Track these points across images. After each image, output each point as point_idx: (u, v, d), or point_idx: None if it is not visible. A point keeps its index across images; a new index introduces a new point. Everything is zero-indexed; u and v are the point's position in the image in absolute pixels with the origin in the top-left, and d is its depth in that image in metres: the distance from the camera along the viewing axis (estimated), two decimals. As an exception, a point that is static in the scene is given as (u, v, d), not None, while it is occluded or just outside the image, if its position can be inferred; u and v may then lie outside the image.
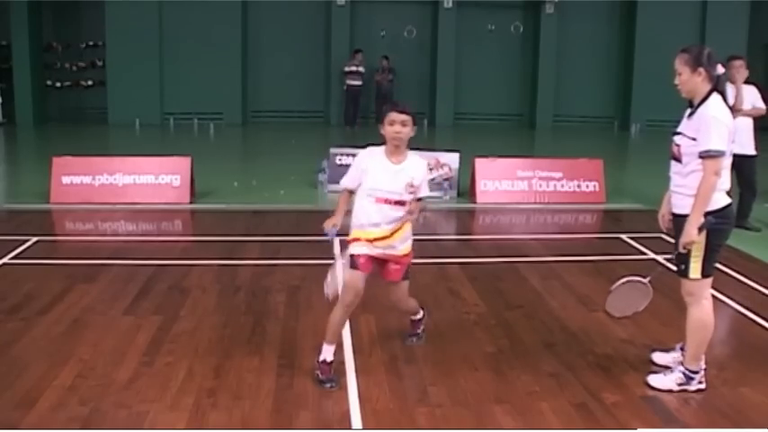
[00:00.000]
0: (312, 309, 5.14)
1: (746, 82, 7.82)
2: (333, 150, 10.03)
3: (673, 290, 5.78)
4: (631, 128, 19.52)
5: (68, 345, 4.44)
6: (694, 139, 3.76)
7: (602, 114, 20.09)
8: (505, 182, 9.46)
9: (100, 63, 18.99)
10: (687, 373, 3.98)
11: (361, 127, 18.49)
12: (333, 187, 9.76)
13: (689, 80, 3.85)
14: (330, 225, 4.01)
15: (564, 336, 4.79)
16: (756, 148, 7.85)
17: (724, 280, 6.02)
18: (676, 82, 3.92)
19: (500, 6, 19.91)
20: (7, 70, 18.58)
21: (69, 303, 5.18)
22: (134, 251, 6.83)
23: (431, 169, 9.70)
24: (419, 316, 4.56)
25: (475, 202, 9.25)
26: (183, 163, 9.15)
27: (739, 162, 7.80)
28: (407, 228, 4.07)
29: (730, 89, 7.75)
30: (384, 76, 18.53)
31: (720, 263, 6.41)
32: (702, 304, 3.98)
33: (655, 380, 4.03)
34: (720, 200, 3.85)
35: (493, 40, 19.99)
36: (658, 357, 4.34)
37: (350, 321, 4.84)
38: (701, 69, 3.79)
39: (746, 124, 7.76)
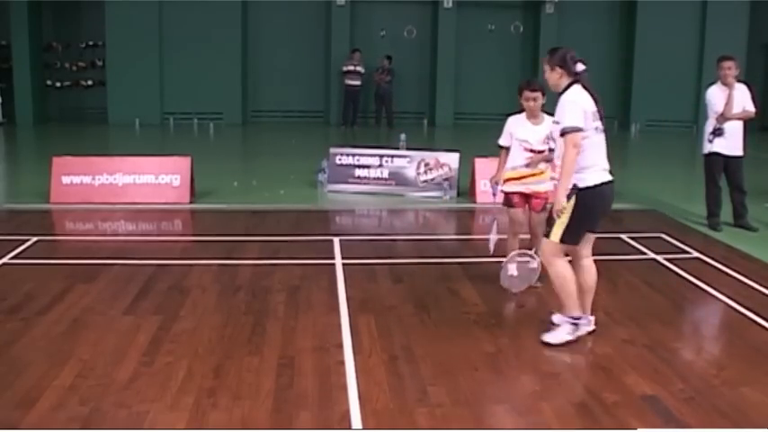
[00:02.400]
0: (312, 309, 5.14)
1: (738, 81, 7.82)
2: (333, 150, 10.03)
3: (673, 290, 5.81)
4: (631, 128, 19.52)
5: (68, 345, 4.44)
6: (558, 123, 4.43)
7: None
8: (505, 182, 9.44)
9: (100, 63, 18.99)
10: (572, 321, 4.53)
11: (361, 127, 18.50)
12: (333, 187, 9.78)
13: (550, 77, 4.54)
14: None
15: (564, 336, 4.79)
16: (744, 150, 7.91)
17: (724, 280, 6.03)
18: (546, 77, 4.59)
19: (500, 6, 19.91)
20: (7, 70, 18.57)
21: (69, 303, 5.18)
22: (134, 251, 6.83)
23: (430, 169, 9.71)
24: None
25: (475, 202, 9.24)
26: (183, 163, 9.15)
27: (727, 163, 7.87)
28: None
29: (721, 91, 7.76)
30: (382, 77, 18.53)
31: (720, 263, 6.47)
32: (557, 263, 4.53)
33: (549, 337, 4.53)
34: (595, 177, 4.41)
35: (493, 40, 19.98)
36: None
37: (350, 321, 4.86)
38: (558, 68, 4.48)
39: (737, 127, 7.81)
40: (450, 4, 19.18)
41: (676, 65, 19.20)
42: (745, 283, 5.93)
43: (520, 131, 5.59)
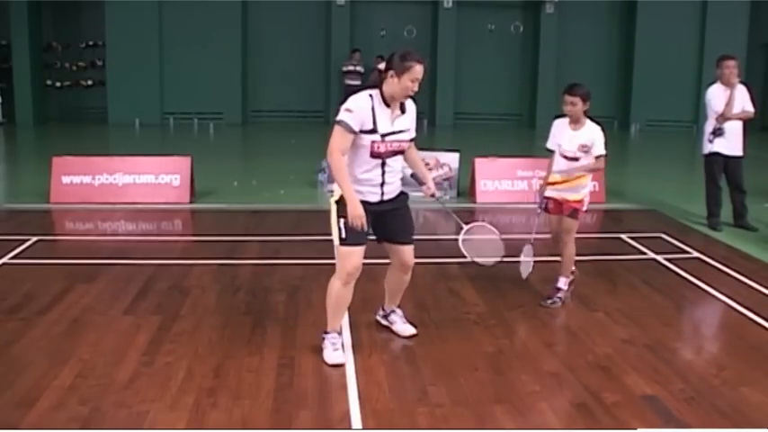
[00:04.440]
0: (312, 309, 5.14)
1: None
2: (333, 150, 10.02)
3: (673, 290, 5.82)
4: (631, 128, 19.53)
5: (68, 345, 4.44)
6: (412, 133, 4.32)
7: (602, 114, 19.91)
8: (505, 182, 9.46)
9: (100, 63, 19.00)
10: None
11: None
12: (332, 187, 9.75)
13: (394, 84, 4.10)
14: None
15: (564, 336, 4.80)
16: (744, 150, 7.92)
17: (724, 280, 6.03)
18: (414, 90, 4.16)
19: (500, 6, 19.91)
20: (7, 70, 18.58)
21: (69, 303, 5.18)
22: (134, 251, 6.83)
23: (430, 169, 9.71)
24: (561, 284, 5.40)
25: (475, 202, 9.25)
26: (183, 163, 9.15)
27: (727, 163, 7.88)
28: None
29: (721, 91, 7.75)
30: (384, 76, 18.52)
31: (720, 263, 6.48)
32: None
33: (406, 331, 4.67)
34: None
35: (493, 40, 19.99)
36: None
37: (350, 321, 4.86)
38: (392, 72, 4.05)
39: (737, 127, 7.83)
40: (450, 4, 19.19)
41: (676, 65, 19.21)
42: (745, 283, 5.93)
43: (559, 135, 5.42)
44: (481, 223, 4.80)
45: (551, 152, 5.49)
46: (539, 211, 5.54)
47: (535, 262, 5.74)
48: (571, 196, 5.33)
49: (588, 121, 5.37)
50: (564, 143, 5.32)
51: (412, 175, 4.55)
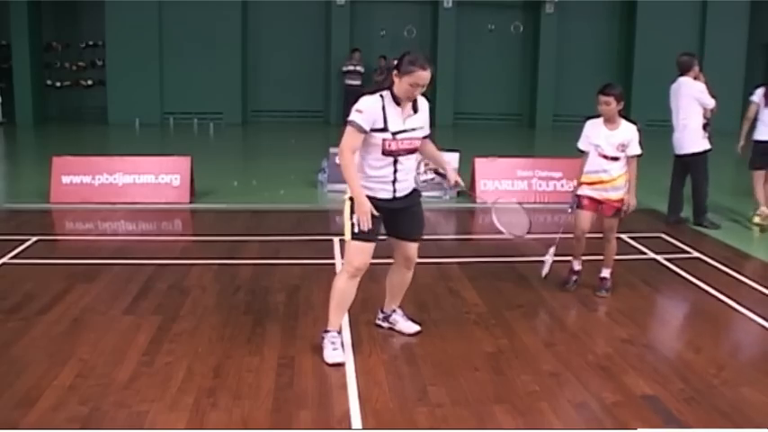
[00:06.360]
0: (312, 309, 5.14)
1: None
2: (333, 150, 10.01)
3: (673, 290, 5.82)
4: (632, 128, 19.54)
5: (68, 345, 4.44)
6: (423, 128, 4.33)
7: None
8: (505, 182, 9.46)
9: (100, 63, 19.00)
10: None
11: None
12: (332, 187, 9.76)
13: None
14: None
15: (564, 336, 4.79)
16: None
17: (724, 280, 6.03)
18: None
19: (500, 6, 19.91)
20: (7, 70, 18.58)
21: (69, 303, 5.18)
22: (134, 251, 6.83)
23: (430, 169, 9.69)
24: (605, 274, 5.65)
25: (475, 202, 9.24)
26: (183, 163, 9.15)
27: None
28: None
29: (705, 86, 7.85)
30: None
31: (720, 262, 6.48)
32: None
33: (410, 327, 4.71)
34: None
35: (493, 40, 19.99)
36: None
37: (350, 321, 4.86)
38: (397, 72, 4.10)
39: None
40: (450, 4, 19.18)
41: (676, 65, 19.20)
42: (745, 283, 5.93)
43: (593, 135, 5.47)
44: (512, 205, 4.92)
45: (582, 153, 5.57)
46: (570, 210, 5.68)
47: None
48: (614, 195, 5.49)
49: (624, 121, 5.45)
50: (602, 144, 5.40)
51: (434, 171, 4.58)
